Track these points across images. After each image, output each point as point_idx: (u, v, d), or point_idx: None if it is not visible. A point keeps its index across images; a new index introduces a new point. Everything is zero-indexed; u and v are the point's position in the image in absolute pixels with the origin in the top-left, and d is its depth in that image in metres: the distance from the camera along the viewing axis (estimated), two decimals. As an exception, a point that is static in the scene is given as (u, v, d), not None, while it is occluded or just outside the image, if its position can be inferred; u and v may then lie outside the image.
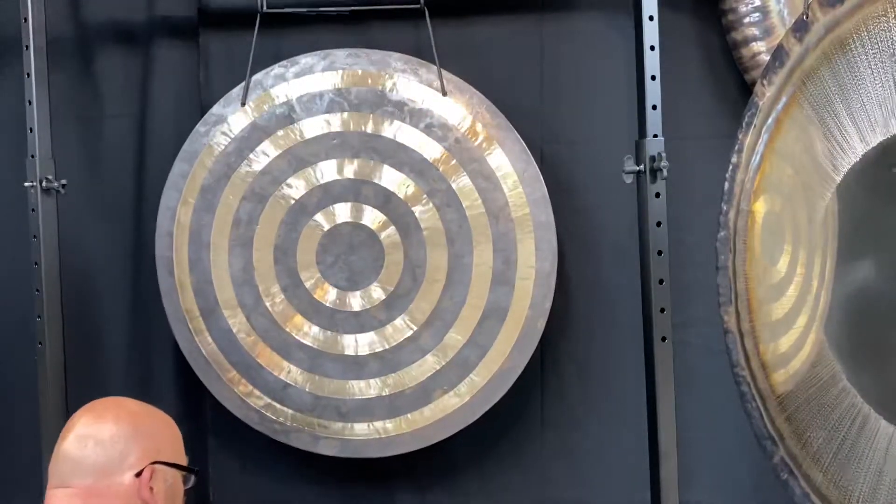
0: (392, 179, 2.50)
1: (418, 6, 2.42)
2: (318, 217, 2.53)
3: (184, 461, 1.59)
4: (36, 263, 2.37)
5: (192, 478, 1.59)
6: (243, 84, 2.50)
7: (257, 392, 2.57)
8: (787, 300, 1.88)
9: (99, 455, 1.47)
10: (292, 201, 2.53)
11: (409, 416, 2.52)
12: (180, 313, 2.57)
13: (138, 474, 1.48)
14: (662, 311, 2.20)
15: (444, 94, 2.45)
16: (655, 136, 2.18)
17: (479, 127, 2.46)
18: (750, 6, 2.40)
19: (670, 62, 2.26)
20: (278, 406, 2.57)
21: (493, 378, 2.48)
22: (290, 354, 2.56)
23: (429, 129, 2.47)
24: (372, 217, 2.52)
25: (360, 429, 2.55)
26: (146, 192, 2.72)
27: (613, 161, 2.25)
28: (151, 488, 1.49)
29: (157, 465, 1.50)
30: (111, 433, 1.49)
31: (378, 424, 2.54)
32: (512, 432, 2.70)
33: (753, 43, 2.42)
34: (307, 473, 2.76)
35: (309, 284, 2.55)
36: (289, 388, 2.56)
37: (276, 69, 2.52)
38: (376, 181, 2.51)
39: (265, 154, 2.52)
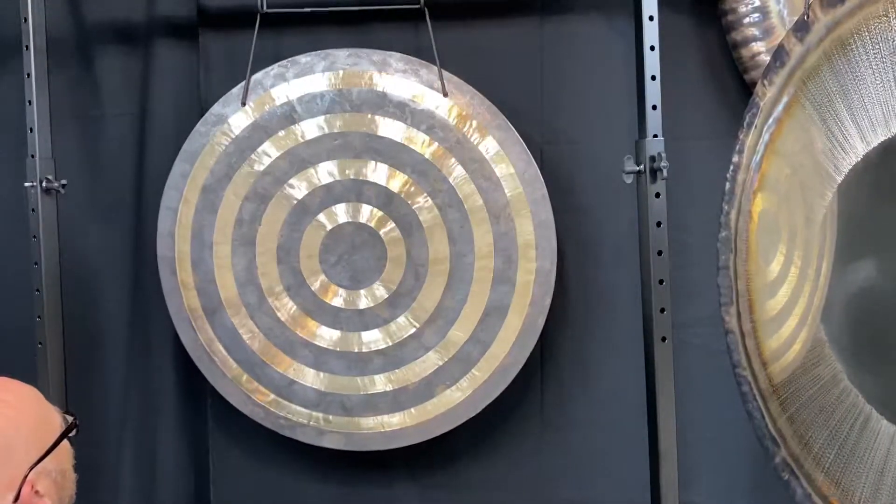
0: (393, 180, 2.50)
1: (418, 6, 2.42)
2: (321, 217, 2.53)
3: (55, 426, 1.36)
4: (36, 263, 2.37)
5: (75, 429, 1.39)
6: (243, 84, 2.50)
7: (263, 388, 2.58)
8: (780, 299, 1.87)
9: None
10: (294, 201, 2.53)
11: (412, 410, 2.54)
12: (183, 312, 2.57)
13: (17, 497, 1.28)
14: (662, 311, 2.19)
15: (445, 94, 2.45)
16: (655, 136, 2.18)
17: (479, 127, 2.47)
18: (750, 6, 2.40)
19: (670, 62, 2.26)
20: (284, 402, 2.58)
21: (495, 373, 2.49)
22: (295, 352, 2.57)
23: (430, 130, 2.47)
24: (374, 217, 2.52)
25: (365, 423, 2.56)
26: (146, 192, 2.71)
27: (613, 161, 2.25)
28: (37, 491, 1.30)
29: (31, 474, 1.30)
30: None
31: (382, 418, 2.55)
32: (511, 433, 2.70)
33: (753, 43, 2.42)
34: (307, 469, 2.76)
35: (312, 283, 2.55)
36: (294, 385, 2.57)
37: (276, 69, 2.51)
38: (378, 181, 2.51)
39: (266, 154, 2.52)
